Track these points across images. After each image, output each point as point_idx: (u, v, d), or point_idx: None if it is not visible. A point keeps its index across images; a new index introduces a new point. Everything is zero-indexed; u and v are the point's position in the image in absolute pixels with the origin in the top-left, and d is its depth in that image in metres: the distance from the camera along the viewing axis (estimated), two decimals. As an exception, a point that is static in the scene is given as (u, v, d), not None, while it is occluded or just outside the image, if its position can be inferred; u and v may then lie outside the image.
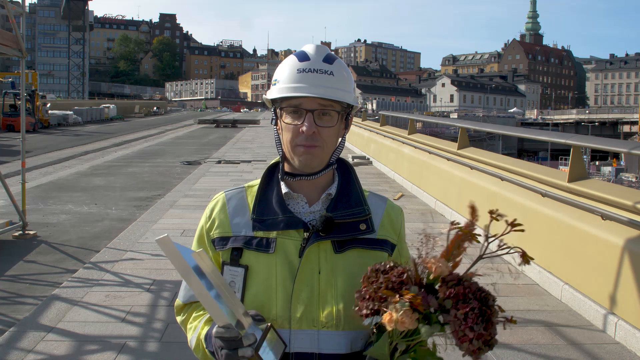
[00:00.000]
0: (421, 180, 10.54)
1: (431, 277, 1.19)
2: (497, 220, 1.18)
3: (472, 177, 7.86)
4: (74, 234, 7.90)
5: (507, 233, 1.17)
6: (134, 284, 5.43)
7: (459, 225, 1.21)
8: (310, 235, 1.35)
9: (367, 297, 1.18)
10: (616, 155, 34.71)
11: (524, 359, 3.93)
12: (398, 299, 1.13)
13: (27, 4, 8.93)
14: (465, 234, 1.19)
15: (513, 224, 1.17)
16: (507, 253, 1.19)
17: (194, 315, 1.43)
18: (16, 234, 7.55)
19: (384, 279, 1.18)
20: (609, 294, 4.46)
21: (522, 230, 1.16)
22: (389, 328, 1.12)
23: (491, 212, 1.19)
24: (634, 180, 29.86)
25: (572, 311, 4.82)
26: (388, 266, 1.21)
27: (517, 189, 6.38)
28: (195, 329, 1.38)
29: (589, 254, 4.82)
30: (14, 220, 7.69)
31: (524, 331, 4.37)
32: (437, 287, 1.18)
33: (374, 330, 1.20)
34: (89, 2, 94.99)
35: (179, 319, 1.49)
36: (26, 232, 7.64)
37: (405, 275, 1.18)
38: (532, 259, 1.20)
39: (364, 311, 1.18)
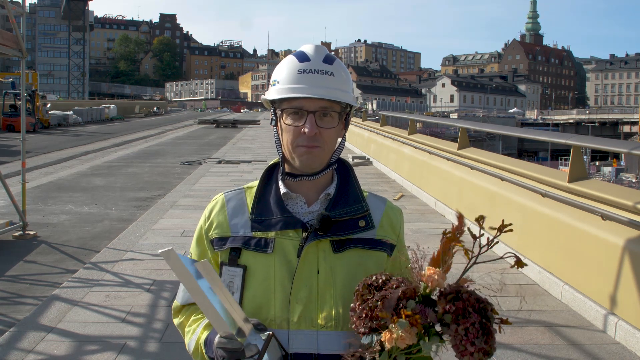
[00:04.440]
0: (421, 180, 10.54)
1: (427, 290, 1.17)
2: (481, 226, 1.18)
3: (472, 177, 7.86)
4: (74, 234, 7.90)
5: (495, 243, 1.16)
6: (134, 284, 5.43)
7: (448, 232, 1.21)
8: (308, 235, 1.34)
9: (364, 315, 1.15)
10: (616, 156, 34.70)
11: (524, 359, 3.93)
12: (396, 318, 1.11)
13: (27, 4, 8.95)
14: (451, 239, 1.19)
15: (501, 228, 1.17)
16: (500, 258, 1.19)
17: (192, 318, 1.43)
18: (16, 234, 7.55)
19: (378, 296, 1.15)
20: (609, 294, 4.46)
21: (511, 230, 1.16)
22: (388, 346, 1.10)
23: (477, 219, 1.18)
24: (634, 180, 29.87)
25: (572, 311, 4.81)
26: (381, 280, 1.18)
27: (517, 189, 6.38)
28: (194, 333, 1.38)
29: (589, 254, 4.82)
30: (14, 221, 7.70)
31: (524, 331, 4.37)
32: (434, 297, 1.16)
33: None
34: (89, 2, 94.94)
35: (176, 321, 1.49)
36: (26, 232, 7.64)
37: (400, 290, 1.14)
38: (525, 265, 1.19)
39: (361, 329, 1.16)
